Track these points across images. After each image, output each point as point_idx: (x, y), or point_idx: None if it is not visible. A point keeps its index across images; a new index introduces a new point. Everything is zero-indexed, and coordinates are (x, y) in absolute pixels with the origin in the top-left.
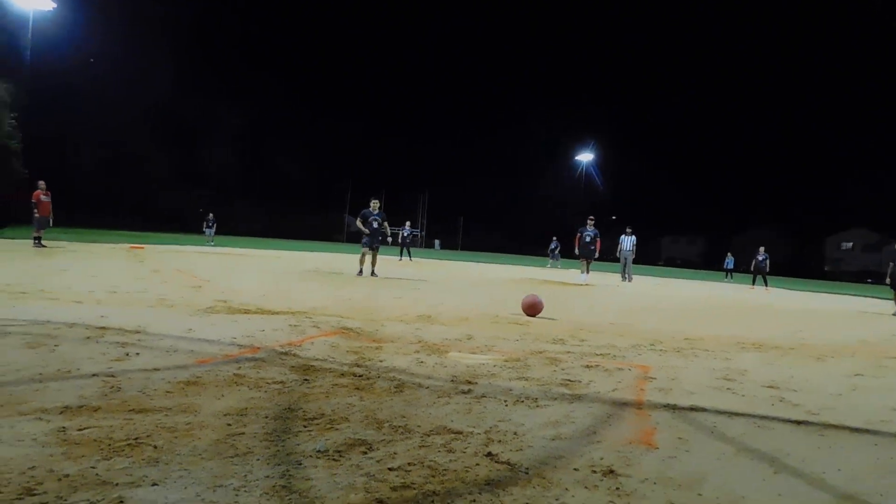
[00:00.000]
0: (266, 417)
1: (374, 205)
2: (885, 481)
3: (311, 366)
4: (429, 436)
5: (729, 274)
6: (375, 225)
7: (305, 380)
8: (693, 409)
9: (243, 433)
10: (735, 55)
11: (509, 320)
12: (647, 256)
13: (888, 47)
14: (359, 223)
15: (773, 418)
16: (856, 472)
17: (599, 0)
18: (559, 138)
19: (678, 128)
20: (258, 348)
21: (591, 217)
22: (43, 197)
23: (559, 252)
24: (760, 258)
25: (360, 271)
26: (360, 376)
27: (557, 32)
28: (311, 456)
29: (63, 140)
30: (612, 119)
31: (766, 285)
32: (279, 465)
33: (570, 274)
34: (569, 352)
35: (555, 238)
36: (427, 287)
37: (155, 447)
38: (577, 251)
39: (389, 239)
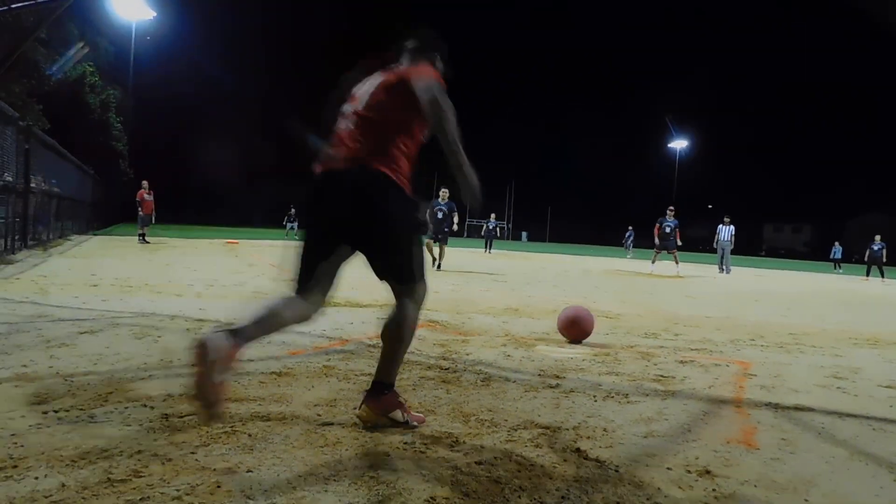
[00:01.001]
0: (355, 409)
1: (444, 194)
2: None
3: None
4: (516, 430)
5: (837, 265)
6: (440, 216)
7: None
8: (798, 408)
9: (332, 423)
10: (843, 29)
11: (598, 313)
12: (748, 247)
13: None
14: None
15: (893, 421)
16: None
17: None
18: (653, 124)
19: (780, 107)
20: (347, 340)
21: (671, 207)
22: (146, 196)
23: (632, 241)
24: (876, 248)
25: (433, 262)
26: (446, 369)
27: (646, 16)
28: (398, 447)
29: (169, 142)
30: (709, 101)
31: (882, 276)
32: (367, 455)
33: (663, 266)
34: (662, 346)
35: (630, 228)
36: (514, 280)
37: (249, 435)
38: (656, 241)
39: (455, 227)
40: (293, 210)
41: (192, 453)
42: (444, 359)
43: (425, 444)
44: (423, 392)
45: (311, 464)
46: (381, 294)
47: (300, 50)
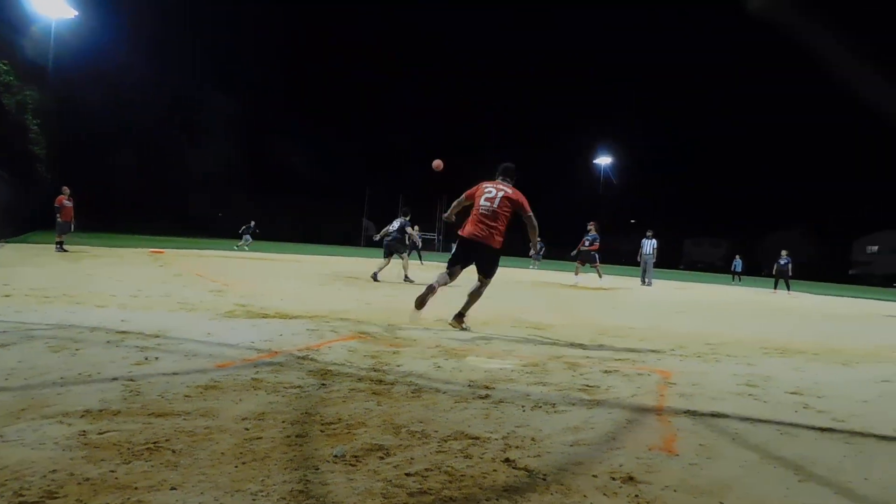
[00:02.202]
0: (284, 422)
1: (405, 213)
2: None
3: (329, 370)
4: (446, 441)
5: (737, 277)
6: (399, 234)
7: (323, 384)
8: (715, 415)
9: (261, 437)
10: (757, 58)
11: (528, 324)
12: (669, 260)
13: None
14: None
15: (799, 425)
16: (885, 482)
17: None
18: (578, 141)
19: (701, 129)
20: (277, 352)
21: (592, 222)
22: (66, 202)
23: (542, 253)
24: (783, 262)
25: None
26: (377, 381)
27: (570, 35)
28: (328, 461)
29: (90, 145)
30: (631, 122)
31: (789, 289)
32: (297, 469)
33: (593, 279)
34: (588, 357)
35: (539, 240)
36: (447, 291)
37: (174, 451)
38: (573, 254)
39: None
40: (252, 223)
41: (112, 471)
42: (376, 370)
43: (356, 457)
44: (354, 404)
45: (238, 479)
46: (310, 306)
47: (238, 51)
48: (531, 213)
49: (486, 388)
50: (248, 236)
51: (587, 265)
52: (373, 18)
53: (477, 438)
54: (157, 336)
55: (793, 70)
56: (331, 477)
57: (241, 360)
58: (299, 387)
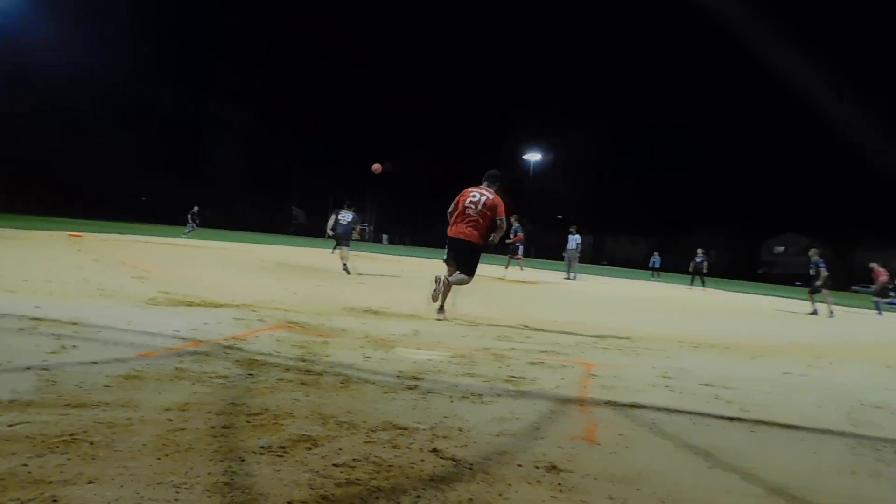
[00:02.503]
0: (209, 413)
1: (348, 207)
2: (809, 474)
3: (256, 360)
4: (374, 431)
5: (655, 273)
6: (345, 225)
7: (250, 374)
8: (634, 406)
9: (185, 429)
10: (680, 63)
11: (457, 316)
12: (593, 255)
13: (825, 59)
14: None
15: (709, 415)
16: (784, 467)
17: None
18: (507, 136)
19: (625, 129)
20: (201, 342)
21: (515, 216)
22: None
23: None
24: (698, 259)
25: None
26: (305, 371)
27: (501, 30)
28: (254, 452)
29: (7, 126)
30: (560, 120)
31: (704, 286)
32: (222, 461)
33: (521, 272)
34: (514, 349)
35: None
36: (375, 282)
37: (91, 443)
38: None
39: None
40: (196, 209)
41: (24, 465)
42: (303, 360)
43: (282, 448)
44: (281, 395)
45: (160, 472)
46: (237, 294)
47: (177, 38)
48: (503, 218)
49: (415, 379)
50: (191, 224)
51: (514, 259)
52: (303, 10)
53: (405, 429)
54: (74, 324)
55: (715, 76)
56: (257, 468)
57: (164, 350)
58: (225, 377)
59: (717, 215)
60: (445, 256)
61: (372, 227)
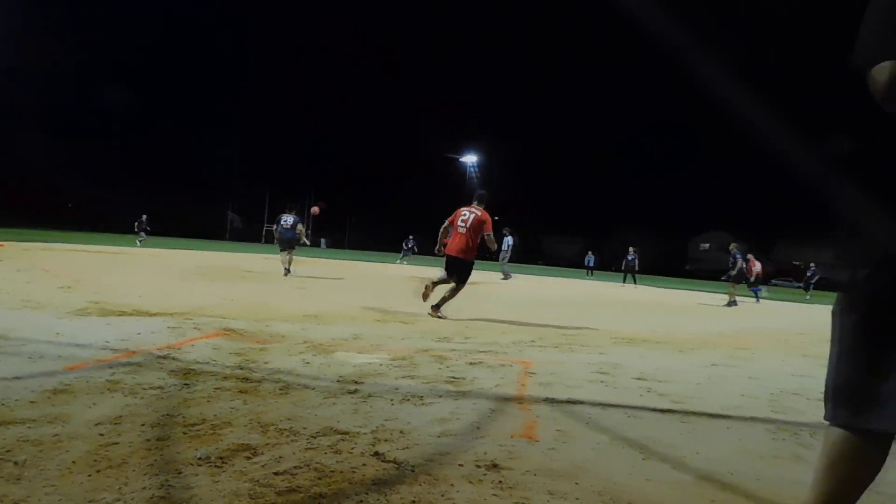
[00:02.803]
0: (143, 425)
1: (290, 210)
2: (736, 460)
3: (192, 369)
4: (315, 437)
5: (590, 271)
6: (287, 229)
7: (186, 384)
8: (571, 402)
9: (118, 443)
10: (613, 65)
11: (396, 319)
12: (530, 256)
13: (745, 59)
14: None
15: (643, 408)
16: (712, 455)
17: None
18: (445, 139)
19: (561, 131)
20: (134, 352)
21: (507, 227)
22: None
23: (412, 248)
24: (630, 257)
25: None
26: (244, 379)
27: (437, 35)
28: (192, 464)
29: None
30: (497, 120)
31: (636, 283)
32: (158, 475)
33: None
34: (454, 350)
35: (411, 236)
36: (314, 286)
37: (16, 463)
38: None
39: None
40: (144, 217)
41: None
42: (242, 368)
43: (221, 459)
44: (219, 404)
45: (92, 489)
46: (171, 302)
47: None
48: (491, 234)
49: (356, 382)
50: (141, 232)
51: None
52: (224, 10)
53: (346, 433)
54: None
55: (646, 79)
56: (195, 480)
57: (94, 361)
58: (160, 387)
59: (648, 214)
60: (445, 267)
61: (309, 231)
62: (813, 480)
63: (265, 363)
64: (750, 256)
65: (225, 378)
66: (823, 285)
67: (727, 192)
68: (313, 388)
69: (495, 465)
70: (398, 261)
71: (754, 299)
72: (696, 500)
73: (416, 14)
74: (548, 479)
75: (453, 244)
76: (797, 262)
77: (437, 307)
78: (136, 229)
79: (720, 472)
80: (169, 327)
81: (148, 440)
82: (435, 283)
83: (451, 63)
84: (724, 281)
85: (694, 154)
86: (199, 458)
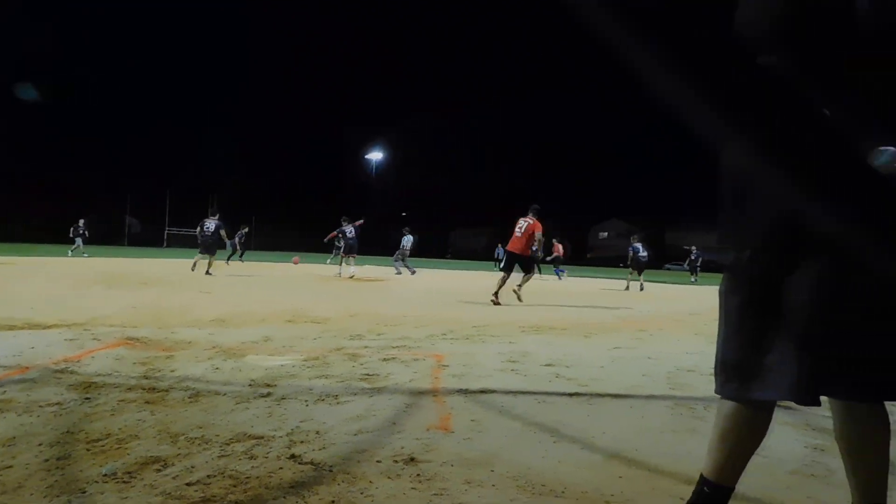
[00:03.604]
0: (41, 445)
1: (212, 213)
2: (639, 437)
3: (93, 382)
4: (229, 444)
5: (498, 263)
6: (209, 233)
7: (87, 398)
8: (484, 391)
9: (12, 466)
10: (506, 58)
11: (307, 319)
12: (437, 250)
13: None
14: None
15: (552, 393)
16: (617, 433)
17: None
18: (350, 137)
19: (465, 124)
20: (28, 368)
21: (345, 217)
22: None
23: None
24: (534, 248)
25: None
26: (150, 389)
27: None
28: (97, 481)
29: None
30: (401, 117)
31: (540, 272)
32: (59, 496)
33: (368, 271)
34: (367, 346)
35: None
36: (220, 289)
37: None
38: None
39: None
40: (82, 222)
41: None
42: (147, 377)
43: (129, 473)
44: (125, 416)
45: None
46: (68, 313)
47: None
48: (540, 235)
49: (268, 385)
50: (78, 239)
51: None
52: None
53: (261, 438)
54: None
55: (548, 71)
56: (101, 498)
57: None
58: (58, 403)
59: (551, 204)
60: (504, 265)
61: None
62: (708, 450)
63: (172, 371)
64: (554, 240)
65: (129, 389)
66: (711, 267)
67: (623, 182)
68: (224, 394)
69: (413, 459)
70: (329, 260)
71: (557, 278)
72: (605, 478)
73: (322, 8)
74: (464, 469)
75: (514, 245)
76: (687, 247)
77: (517, 294)
78: (71, 235)
79: (626, 449)
80: (66, 339)
81: (46, 460)
82: (505, 280)
83: (360, 60)
84: (638, 270)
85: (593, 145)
86: (105, 475)
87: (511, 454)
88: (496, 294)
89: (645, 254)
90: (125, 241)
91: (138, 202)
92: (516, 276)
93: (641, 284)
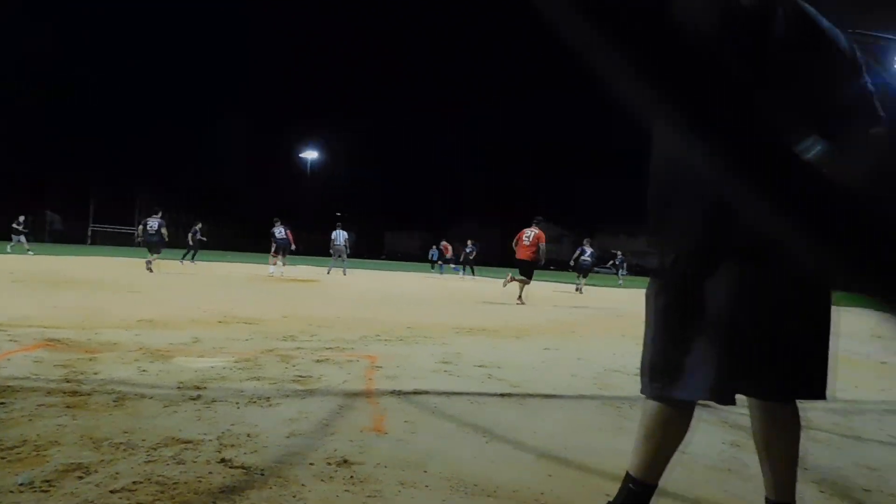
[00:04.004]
0: None
1: (156, 213)
2: (568, 436)
3: (9, 386)
4: (156, 449)
5: (434, 264)
6: (152, 231)
7: (2, 403)
8: (417, 392)
9: None
10: (440, 56)
11: (239, 320)
12: (372, 251)
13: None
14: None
15: (485, 394)
16: (548, 432)
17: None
18: (287, 136)
19: (400, 127)
20: None
21: (276, 218)
22: None
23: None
24: (468, 250)
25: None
26: (71, 392)
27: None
28: (13, 491)
29: None
30: (337, 118)
31: (473, 274)
32: None
33: (303, 271)
34: (300, 348)
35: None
36: (149, 290)
37: None
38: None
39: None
40: (22, 218)
41: None
42: (68, 381)
43: (48, 482)
44: (43, 422)
45: None
46: None
47: None
48: (544, 244)
49: (198, 388)
50: (20, 236)
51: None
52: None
53: (189, 442)
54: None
55: (488, 78)
56: None
57: None
58: None
59: (486, 208)
60: (521, 272)
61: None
62: (634, 448)
63: (95, 374)
64: (444, 243)
65: (49, 393)
66: (638, 271)
67: (556, 186)
68: (151, 397)
69: (346, 461)
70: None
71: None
72: (536, 477)
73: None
74: (398, 470)
75: (524, 253)
76: (615, 251)
77: (519, 298)
78: (13, 232)
79: (556, 447)
80: None
81: None
82: (512, 278)
83: (297, 62)
84: (584, 274)
85: (526, 151)
86: (21, 485)
87: (444, 455)
88: (520, 297)
89: (589, 259)
90: (46, 238)
91: (60, 197)
92: (501, 279)
93: (580, 287)
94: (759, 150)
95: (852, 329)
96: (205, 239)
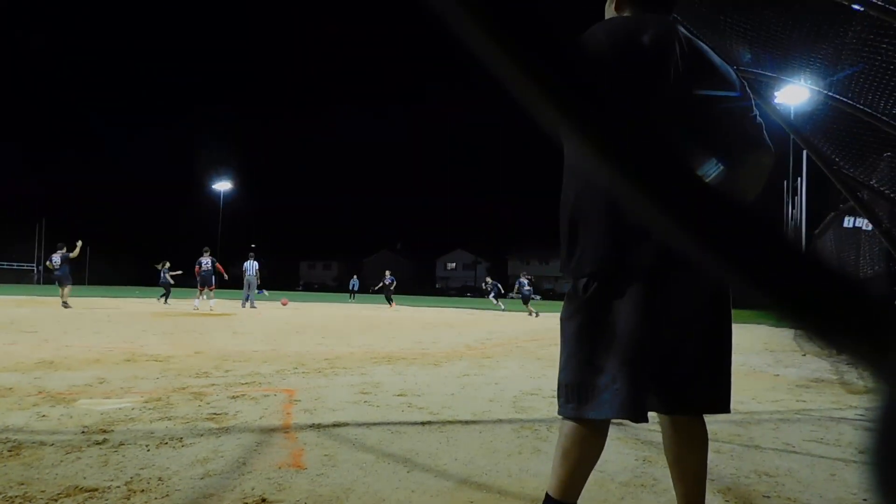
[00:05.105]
0: None
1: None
2: (488, 460)
3: None
4: (57, 500)
5: (353, 295)
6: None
7: None
8: (336, 425)
9: None
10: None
11: (147, 357)
12: (286, 282)
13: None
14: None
15: (405, 423)
16: (468, 458)
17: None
18: (201, 167)
19: (312, 158)
20: None
21: (206, 248)
22: None
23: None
24: (388, 280)
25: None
26: None
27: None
28: None
29: None
30: (252, 148)
31: (391, 303)
32: None
33: (217, 305)
34: (213, 384)
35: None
36: (48, 328)
37: None
38: (197, 279)
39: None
40: None
41: None
42: None
43: None
44: None
45: None
46: None
47: None
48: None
49: (103, 431)
50: None
51: (207, 290)
52: None
53: (94, 490)
54: None
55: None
56: None
57: None
58: None
59: (401, 237)
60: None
61: (41, 267)
62: (552, 468)
63: None
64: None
65: None
66: (550, 296)
67: (468, 215)
68: (52, 444)
69: (264, 500)
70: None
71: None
72: (457, 503)
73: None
74: None
75: None
76: (528, 277)
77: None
78: None
79: (476, 473)
80: None
81: None
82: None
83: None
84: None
85: (439, 180)
86: None
87: (365, 487)
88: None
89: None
90: None
91: None
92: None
93: (502, 306)
94: (661, 173)
95: (747, 343)
96: (173, 282)
